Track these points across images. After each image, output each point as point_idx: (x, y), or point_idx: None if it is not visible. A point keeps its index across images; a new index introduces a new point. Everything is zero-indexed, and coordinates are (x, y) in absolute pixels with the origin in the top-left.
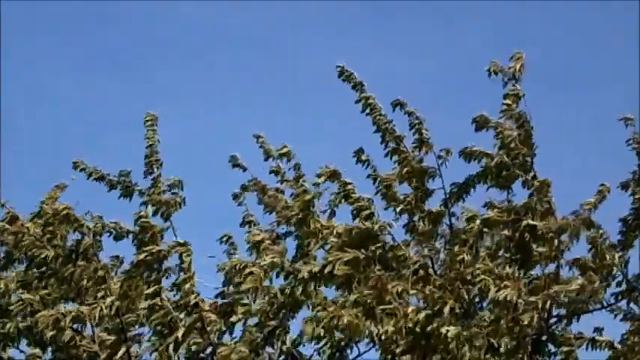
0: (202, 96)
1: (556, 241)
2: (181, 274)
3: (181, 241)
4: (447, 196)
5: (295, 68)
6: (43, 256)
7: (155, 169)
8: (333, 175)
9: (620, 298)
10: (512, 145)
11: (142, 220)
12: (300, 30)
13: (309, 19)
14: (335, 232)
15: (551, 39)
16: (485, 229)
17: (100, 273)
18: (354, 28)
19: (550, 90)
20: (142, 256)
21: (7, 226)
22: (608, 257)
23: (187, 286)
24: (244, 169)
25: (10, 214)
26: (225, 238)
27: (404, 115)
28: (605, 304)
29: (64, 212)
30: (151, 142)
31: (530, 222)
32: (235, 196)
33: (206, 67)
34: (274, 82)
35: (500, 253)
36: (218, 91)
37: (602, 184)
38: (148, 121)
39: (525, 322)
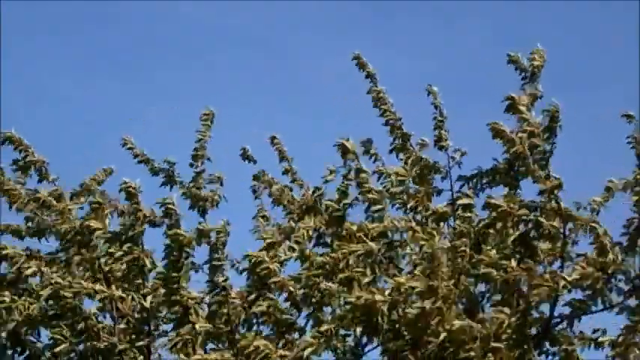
0: (202, 96)
1: (560, 242)
2: (215, 254)
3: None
4: (455, 197)
5: (295, 68)
6: (86, 230)
7: (200, 164)
8: (349, 154)
9: (627, 296)
10: (535, 137)
11: (168, 206)
12: (300, 30)
13: (309, 19)
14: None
15: (551, 39)
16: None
17: (141, 263)
18: (354, 28)
19: (550, 90)
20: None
21: (54, 201)
22: (611, 255)
23: (217, 264)
24: (255, 162)
25: (58, 192)
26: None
27: (430, 105)
28: (608, 304)
29: (129, 189)
30: (201, 137)
31: (540, 219)
32: (254, 191)
33: (206, 67)
34: (274, 82)
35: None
36: (218, 91)
37: (611, 181)
38: (204, 116)
39: (535, 300)
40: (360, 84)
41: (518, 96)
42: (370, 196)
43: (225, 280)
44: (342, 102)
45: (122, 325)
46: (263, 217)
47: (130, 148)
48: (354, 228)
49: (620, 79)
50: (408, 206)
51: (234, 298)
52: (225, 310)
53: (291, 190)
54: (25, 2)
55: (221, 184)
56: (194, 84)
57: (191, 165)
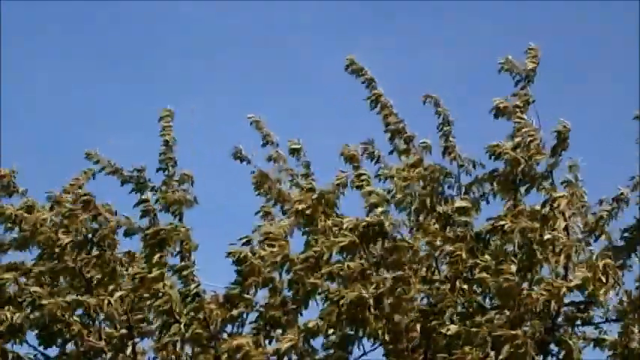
0: (202, 96)
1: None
2: (183, 262)
3: (181, 225)
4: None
5: (295, 68)
6: (57, 244)
7: (170, 167)
8: (353, 159)
9: (623, 314)
10: (536, 149)
11: (144, 204)
12: (300, 30)
13: (309, 19)
14: (345, 227)
15: (551, 39)
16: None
17: (112, 265)
18: (354, 28)
19: (549, 90)
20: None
21: (25, 214)
22: (611, 273)
23: (187, 272)
24: (248, 162)
25: (28, 204)
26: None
27: (434, 115)
28: (608, 317)
29: (85, 198)
30: (167, 139)
31: (545, 235)
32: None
33: (206, 68)
34: (274, 82)
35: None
36: (218, 91)
37: (622, 193)
38: (164, 117)
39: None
40: (360, 83)
41: (509, 102)
42: (372, 200)
43: (198, 286)
44: (343, 101)
45: (108, 329)
46: (267, 213)
47: (96, 162)
48: (330, 224)
49: (620, 79)
50: (412, 208)
51: (209, 303)
52: (201, 316)
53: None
54: (25, 2)
55: (192, 184)
56: (194, 84)
57: (162, 169)
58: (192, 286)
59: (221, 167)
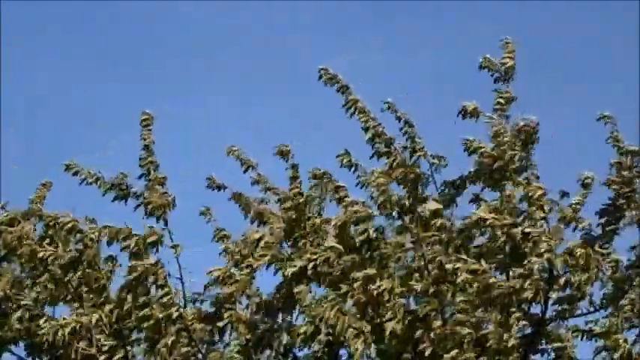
0: (202, 96)
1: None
2: (159, 290)
3: (154, 262)
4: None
5: (295, 68)
6: (40, 256)
7: (152, 171)
8: (323, 176)
9: (607, 301)
10: (508, 146)
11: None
12: (300, 30)
13: (309, 19)
14: (334, 224)
15: (552, 39)
16: (476, 230)
17: (102, 282)
18: (354, 28)
19: (549, 90)
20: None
21: (9, 228)
22: (593, 260)
23: (166, 300)
24: (224, 188)
25: (10, 217)
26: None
27: (395, 120)
28: (595, 307)
29: (70, 225)
30: (147, 143)
31: (526, 230)
32: (202, 213)
33: (206, 68)
34: (274, 82)
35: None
36: (218, 91)
37: (587, 177)
38: (144, 120)
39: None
40: (357, 83)
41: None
42: (356, 212)
43: (178, 309)
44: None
45: (98, 336)
46: (224, 237)
47: (75, 173)
48: (318, 221)
49: (620, 78)
50: (393, 214)
51: (191, 321)
52: (185, 337)
53: (267, 202)
54: (25, 2)
55: (162, 185)
56: (194, 84)
57: (144, 175)
58: (173, 310)
59: (221, 167)
